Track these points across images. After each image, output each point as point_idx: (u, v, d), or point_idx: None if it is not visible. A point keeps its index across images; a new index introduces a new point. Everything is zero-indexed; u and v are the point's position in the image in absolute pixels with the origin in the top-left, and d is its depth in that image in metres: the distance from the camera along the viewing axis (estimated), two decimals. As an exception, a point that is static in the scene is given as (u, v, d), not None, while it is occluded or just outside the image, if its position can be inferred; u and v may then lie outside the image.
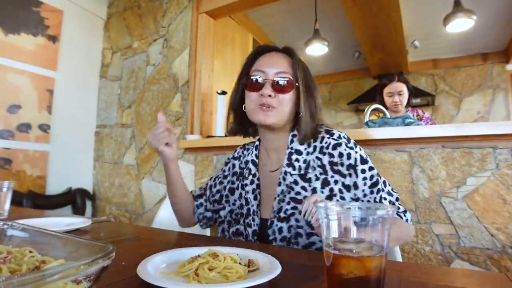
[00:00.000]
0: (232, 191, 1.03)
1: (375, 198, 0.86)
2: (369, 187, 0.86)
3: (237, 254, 0.59)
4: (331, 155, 0.89)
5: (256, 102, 0.91)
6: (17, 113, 2.32)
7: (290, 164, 0.91)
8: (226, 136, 2.12)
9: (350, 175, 0.87)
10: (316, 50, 3.38)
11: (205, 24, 2.42)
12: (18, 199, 2.18)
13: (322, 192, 0.86)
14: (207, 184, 1.13)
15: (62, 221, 1.02)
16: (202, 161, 2.19)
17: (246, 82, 0.94)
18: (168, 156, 0.97)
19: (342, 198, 0.86)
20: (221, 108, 2.17)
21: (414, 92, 2.45)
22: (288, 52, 0.97)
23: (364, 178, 0.86)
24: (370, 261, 0.40)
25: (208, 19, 2.46)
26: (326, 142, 0.91)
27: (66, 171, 2.64)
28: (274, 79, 0.90)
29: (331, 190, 0.86)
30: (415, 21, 3.52)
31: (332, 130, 0.95)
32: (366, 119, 1.97)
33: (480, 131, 1.37)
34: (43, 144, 2.47)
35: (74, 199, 2.61)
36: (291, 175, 0.90)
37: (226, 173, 1.09)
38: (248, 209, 0.94)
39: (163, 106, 2.49)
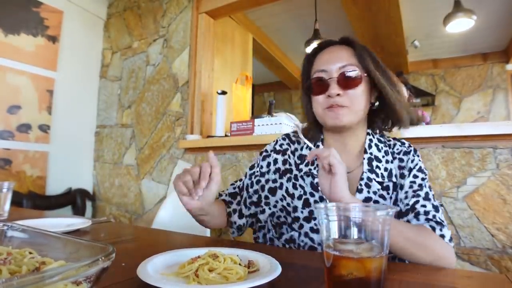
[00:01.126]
0: (273, 191, 0.90)
1: (408, 202, 0.79)
2: (413, 191, 0.80)
3: (237, 255, 0.59)
4: (401, 160, 0.86)
5: (324, 105, 0.83)
6: (17, 114, 2.32)
7: (372, 171, 0.83)
8: (226, 136, 2.12)
9: (406, 176, 0.83)
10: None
11: (205, 24, 2.42)
12: (18, 200, 2.18)
13: (390, 198, 0.83)
14: (242, 182, 0.98)
15: (62, 222, 1.01)
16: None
17: (309, 87, 0.87)
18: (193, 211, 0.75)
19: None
20: (221, 108, 2.17)
21: (414, 92, 2.45)
22: (347, 42, 0.88)
23: (412, 182, 0.82)
24: (370, 262, 0.40)
25: (208, 19, 2.46)
26: (397, 149, 0.88)
27: (66, 172, 2.64)
28: (339, 75, 0.81)
29: (397, 195, 0.83)
30: (415, 21, 3.53)
31: (401, 139, 0.92)
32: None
33: (480, 131, 1.37)
34: (43, 144, 2.47)
35: (74, 200, 2.61)
36: (375, 181, 0.82)
37: (264, 169, 0.94)
38: (311, 212, 0.82)
39: (163, 106, 2.49)
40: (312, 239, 0.80)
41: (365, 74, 0.83)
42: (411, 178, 0.82)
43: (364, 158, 0.85)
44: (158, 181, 2.42)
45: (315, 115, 0.88)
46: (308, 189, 0.85)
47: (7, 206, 1.09)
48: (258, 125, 1.91)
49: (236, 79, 2.60)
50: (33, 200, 2.29)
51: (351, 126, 0.84)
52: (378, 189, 0.81)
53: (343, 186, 0.66)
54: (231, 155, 2.06)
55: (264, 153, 0.97)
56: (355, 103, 0.82)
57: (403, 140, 0.92)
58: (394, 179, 0.84)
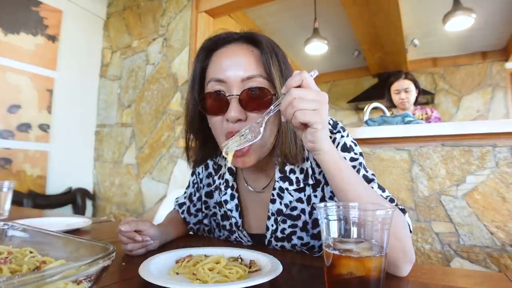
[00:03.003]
0: (209, 195, 0.88)
1: None
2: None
3: (239, 255, 0.59)
4: None
5: (223, 132, 0.66)
6: (17, 113, 2.32)
7: (285, 178, 0.72)
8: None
9: None
10: (316, 49, 3.38)
11: (204, 23, 2.42)
12: (18, 199, 2.18)
13: (315, 196, 0.71)
14: (185, 191, 0.95)
15: (62, 221, 1.02)
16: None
17: (202, 102, 0.68)
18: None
19: (331, 198, 0.69)
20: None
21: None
22: (251, 40, 0.69)
23: None
24: (370, 261, 0.40)
25: (208, 18, 2.46)
26: None
27: (66, 171, 2.64)
28: (242, 92, 0.64)
29: (322, 189, 0.71)
30: (414, 20, 3.52)
31: None
32: (366, 117, 1.98)
33: (479, 130, 1.38)
34: (43, 144, 2.47)
35: (74, 199, 2.61)
36: (288, 191, 0.72)
37: (201, 175, 0.90)
38: (231, 224, 0.81)
39: (163, 105, 2.49)
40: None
41: (275, 89, 0.65)
42: None
43: (276, 168, 0.73)
44: (158, 180, 2.42)
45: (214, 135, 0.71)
46: (234, 213, 0.80)
47: (7, 206, 1.09)
48: (258, 124, 1.91)
49: (235, 78, 2.60)
50: (33, 199, 2.29)
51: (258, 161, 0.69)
52: (291, 201, 0.72)
53: (322, 140, 0.55)
54: (231, 154, 2.06)
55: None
56: (264, 132, 0.59)
57: None
58: (310, 180, 0.71)
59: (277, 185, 0.73)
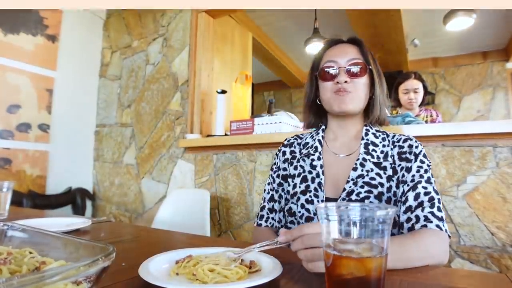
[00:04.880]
0: (285, 178, 1.03)
1: (412, 181, 0.86)
2: (420, 175, 0.86)
3: (239, 255, 0.59)
4: (401, 147, 0.93)
5: (332, 90, 0.94)
6: (16, 113, 2.32)
7: (368, 153, 0.92)
8: (226, 135, 2.12)
9: (412, 160, 0.89)
10: (316, 48, 3.38)
11: (204, 23, 2.42)
12: (18, 199, 2.18)
13: (392, 180, 0.88)
14: (271, 184, 1.07)
15: (62, 221, 1.02)
16: (202, 160, 2.19)
17: (319, 74, 0.97)
18: None
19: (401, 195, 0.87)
20: (221, 107, 2.17)
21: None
22: (355, 42, 1.00)
23: (419, 167, 0.87)
24: (370, 262, 0.40)
25: (208, 18, 2.46)
26: (397, 138, 0.96)
27: (66, 171, 2.64)
28: (347, 66, 0.93)
29: (398, 178, 0.88)
30: (415, 20, 3.52)
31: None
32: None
33: (480, 130, 1.37)
34: (43, 144, 2.47)
35: (74, 199, 2.61)
36: (370, 161, 0.91)
37: (279, 164, 1.06)
38: (308, 186, 0.93)
39: (163, 106, 2.49)
40: (308, 210, 0.91)
41: (369, 67, 0.95)
42: (418, 163, 0.88)
43: (361, 144, 0.95)
44: (158, 180, 2.42)
45: (322, 101, 0.98)
46: (307, 168, 0.96)
47: (7, 206, 1.09)
48: (258, 124, 1.91)
49: (235, 78, 2.60)
50: (33, 200, 2.29)
51: (354, 112, 0.94)
52: (372, 169, 0.89)
53: None
54: (231, 154, 2.06)
55: (277, 152, 1.11)
56: (359, 89, 0.93)
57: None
58: (390, 160, 0.91)
59: (360, 156, 0.91)
